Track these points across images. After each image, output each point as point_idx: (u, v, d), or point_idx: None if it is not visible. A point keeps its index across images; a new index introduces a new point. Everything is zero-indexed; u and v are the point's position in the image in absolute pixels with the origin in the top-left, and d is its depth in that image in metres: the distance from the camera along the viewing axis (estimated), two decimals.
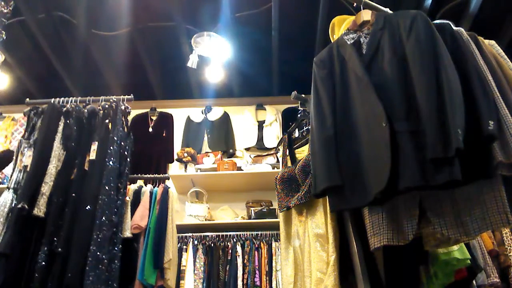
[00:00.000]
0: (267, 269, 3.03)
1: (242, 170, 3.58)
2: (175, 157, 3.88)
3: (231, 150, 4.06)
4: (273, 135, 4.09)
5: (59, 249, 2.05)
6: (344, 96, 1.53)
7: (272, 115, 4.24)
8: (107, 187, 2.22)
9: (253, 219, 3.33)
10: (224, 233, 3.24)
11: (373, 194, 1.30)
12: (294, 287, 1.74)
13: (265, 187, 3.58)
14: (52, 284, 1.99)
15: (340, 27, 2.01)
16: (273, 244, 3.13)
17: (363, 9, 1.69)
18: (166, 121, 4.24)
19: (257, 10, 3.48)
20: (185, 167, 3.80)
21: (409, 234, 1.37)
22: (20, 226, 2.11)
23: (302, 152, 2.16)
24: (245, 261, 3.08)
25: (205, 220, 3.40)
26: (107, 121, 2.50)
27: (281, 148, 2.27)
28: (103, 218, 2.14)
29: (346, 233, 1.67)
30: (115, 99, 2.62)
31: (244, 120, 4.27)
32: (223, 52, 3.57)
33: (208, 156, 3.73)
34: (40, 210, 2.13)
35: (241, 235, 3.22)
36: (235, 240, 3.19)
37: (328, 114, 1.52)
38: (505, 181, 1.29)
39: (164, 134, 4.14)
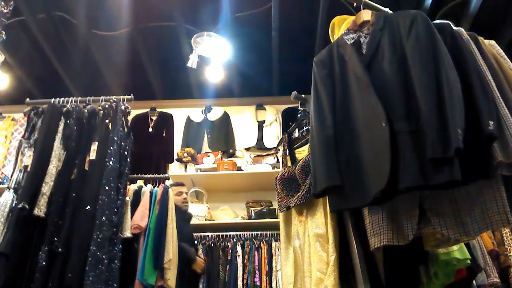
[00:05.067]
0: (267, 269, 3.04)
1: (242, 170, 3.58)
2: (175, 157, 3.88)
3: (231, 150, 4.06)
4: (273, 135, 4.09)
5: (59, 249, 2.05)
6: (344, 96, 1.53)
7: (272, 115, 4.24)
8: (107, 187, 2.22)
9: (253, 219, 3.33)
10: (224, 233, 3.24)
11: (373, 194, 1.30)
12: (294, 287, 1.74)
13: (265, 187, 3.59)
14: (52, 284, 1.99)
15: (340, 27, 2.01)
16: (273, 244, 3.14)
17: (363, 9, 1.69)
18: (166, 121, 4.24)
19: (257, 10, 3.48)
20: (185, 167, 3.80)
21: (409, 234, 1.37)
22: (21, 226, 2.11)
23: (302, 152, 2.16)
24: (245, 261, 3.08)
25: (205, 220, 3.41)
26: (107, 121, 2.50)
27: (281, 148, 2.26)
28: (103, 218, 2.14)
29: (346, 233, 1.67)
30: (115, 99, 2.61)
31: (244, 120, 4.27)
32: (223, 52, 3.57)
33: (208, 156, 3.73)
34: (40, 210, 2.13)
35: (241, 235, 3.22)
36: (235, 240, 3.19)
37: (328, 114, 1.52)
38: (505, 181, 1.29)
39: (164, 134, 4.14)
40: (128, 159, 2.52)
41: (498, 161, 1.23)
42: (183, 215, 2.91)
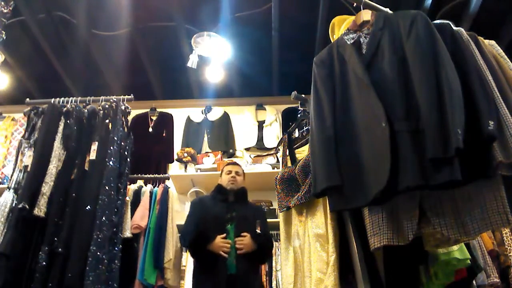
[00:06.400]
0: (267, 269, 3.03)
1: None
2: (175, 157, 3.88)
3: (231, 150, 4.06)
4: (273, 135, 4.09)
5: (60, 249, 2.05)
6: (344, 96, 1.53)
7: (272, 115, 4.24)
8: (107, 187, 2.23)
9: None
10: None
11: (373, 194, 1.30)
12: (294, 287, 1.74)
13: (265, 187, 3.58)
14: (52, 284, 1.99)
15: (340, 27, 2.01)
16: (273, 244, 3.13)
17: (363, 9, 1.69)
18: (166, 121, 4.24)
19: (257, 10, 3.48)
20: (185, 167, 3.80)
21: (409, 234, 1.37)
22: (21, 226, 2.11)
23: (302, 152, 2.16)
24: None
25: None
26: (107, 121, 2.51)
27: (281, 148, 2.27)
28: (103, 218, 2.15)
29: (346, 233, 1.67)
30: (115, 99, 2.62)
31: (244, 120, 4.27)
32: (223, 52, 3.57)
33: (208, 156, 3.72)
34: (40, 210, 2.13)
35: None
36: None
37: (328, 114, 1.52)
38: (505, 181, 1.29)
39: (164, 134, 4.14)
40: (128, 159, 2.52)
41: (498, 161, 1.23)
42: (220, 196, 2.56)
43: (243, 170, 2.79)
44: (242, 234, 2.33)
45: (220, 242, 2.27)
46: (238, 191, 2.63)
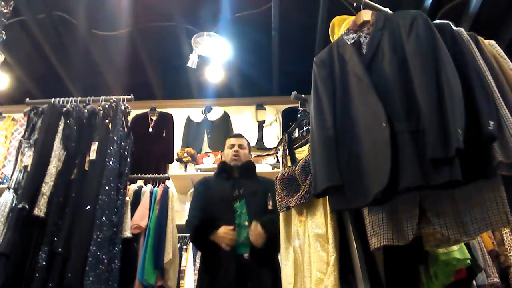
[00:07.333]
0: None
1: None
2: (175, 157, 3.88)
3: None
4: (273, 135, 4.09)
5: (59, 249, 2.06)
6: (344, 96, 1.53)
7: (272, 115, 4.24)
8: (107, 187, 2.23)
9: None
10: None
11: (373, 194, 1.30)
12: (294, 287, 1.74)
13: None
14: (52, 284, 1.99)
15: (340, 27, 2.01)
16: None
17: (363, 9, 1.69)
18: (166, 121, 4.24)
19: (257, 10, 3.48)
20: (185, 167, 3.80)
21: (409, 234, 1.37)
22: (21, 226, 2.11)
23: (302, 152, 2.16)
24: None
25: None
26: (107, 121, 2.51)
27: (281, 148, 2.26)
28: (103, 218, 2.15)
29: (346, 233, 1.67)
30: (115, 99, 2.62)
31: (244, 120, 4.27)
32: (223, 52, 3.57)
33: (208, 156, 3.72)
34: (40, 210, 2.13)
35: None
36: None
37: (328, 114, 1.52)
38: (505, 181, 1.29)
39: (164, 134, 4.14)
40: (128, 159, 2.52)
41: (498, 161, 1.23)
42: (224, 174, 2.41)
43: (248, 142, 2.58)
44: (252, 225, 2.13)
45: (223, 233, 2.10)
46: (243, 167, 2.41)
